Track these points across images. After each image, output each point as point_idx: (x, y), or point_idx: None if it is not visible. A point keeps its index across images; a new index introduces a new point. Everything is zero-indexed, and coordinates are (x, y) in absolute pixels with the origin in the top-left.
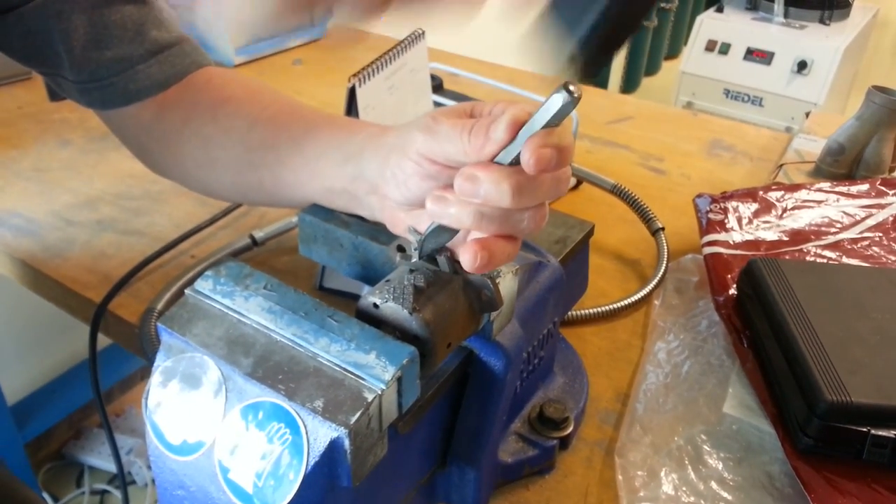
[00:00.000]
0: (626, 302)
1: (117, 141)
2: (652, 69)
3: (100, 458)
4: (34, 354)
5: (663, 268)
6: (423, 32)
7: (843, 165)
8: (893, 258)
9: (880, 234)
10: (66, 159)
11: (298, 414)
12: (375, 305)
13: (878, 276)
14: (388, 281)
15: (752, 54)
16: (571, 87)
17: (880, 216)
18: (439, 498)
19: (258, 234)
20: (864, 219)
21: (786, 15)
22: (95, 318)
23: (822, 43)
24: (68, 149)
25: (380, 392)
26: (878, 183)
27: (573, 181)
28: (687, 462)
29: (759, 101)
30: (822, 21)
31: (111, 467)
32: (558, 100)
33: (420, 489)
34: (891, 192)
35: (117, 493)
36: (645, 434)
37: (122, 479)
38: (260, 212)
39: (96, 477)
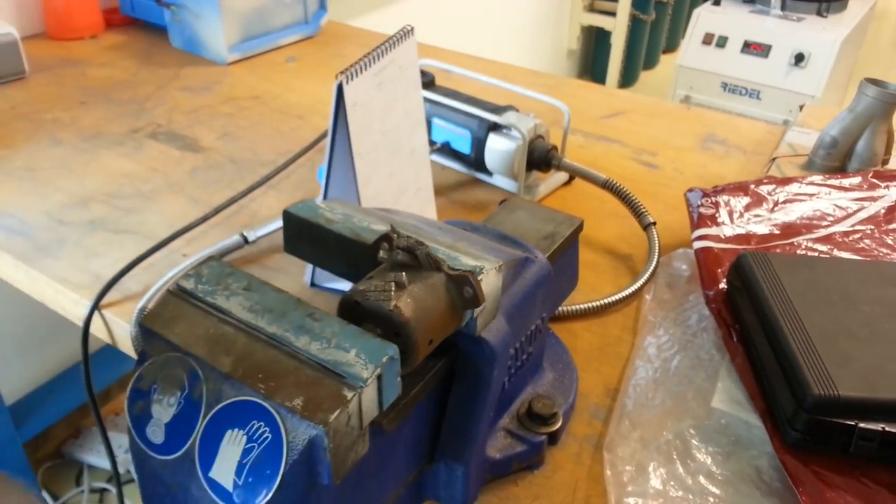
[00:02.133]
0: (616, 297)
1: (109, 140)
2: (650, 63)
3: (99, 457)
4: (32, 354)
5: (654, 262)
6: (412, 29)
7: (835, 158)
8: (885, 251)
9: (872, 227)
10: (57, 159)
11: (278, 412)
12: (357, 303)
13: (869, 268)
14: (369, 278)
15: (749, 47)
16: None
17: (872, 209)
18: (428, 495)
19: (249, 233)
20: (855, 212)
21: (783, 7)
22: (87, 318)
23: (820, 35)
24: (60, 148)
25: (359, 390)
26: (871, 175)
27: (565, 176)
28: (675, 456)
29: (757, 94)
30: (819, 13)
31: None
32: None
33: (408, 486)
34: (883, 185)
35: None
36: (634, 429)
37: (117, 477)
38: (251, 210)
39: (95, 475)
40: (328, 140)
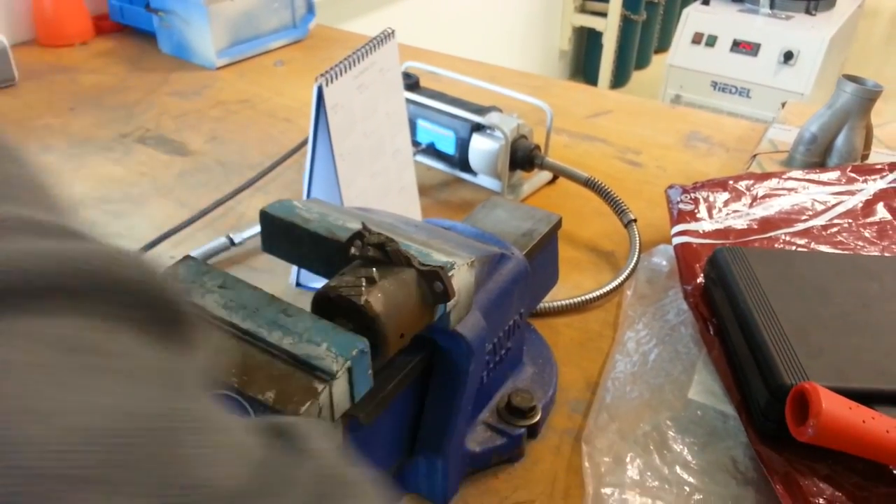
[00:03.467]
0: (597, 293)
1: (98, 146)
2: (642, 63)
3: None
4: None
5: (635, 259)
6: (393, 32)
7: (815, 154)
8: (862, 244)
9: (850, 221)
10: (47, 164)
11: (250, 406)
12: (329, 298)
13: (844, 261)
14: (342, 274)
15: (738, 46)
16: None
17: (850, 203)
18: (408, 489)
19: (235, 235)
20: (834, 206)
21: (772, 6)
22: None
23: (808, 33)
24: (50, 154)
25: (329, 382)
26: (849, 170)
27: (549, 175)
28: (652, 448)
29: (747, 93)
30: (807, 11)
31: None
32: None
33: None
34: (861, 179)
35: None
36: (612, 421)
37: None
38: (238, 213)
39: None
40: (309, 142)
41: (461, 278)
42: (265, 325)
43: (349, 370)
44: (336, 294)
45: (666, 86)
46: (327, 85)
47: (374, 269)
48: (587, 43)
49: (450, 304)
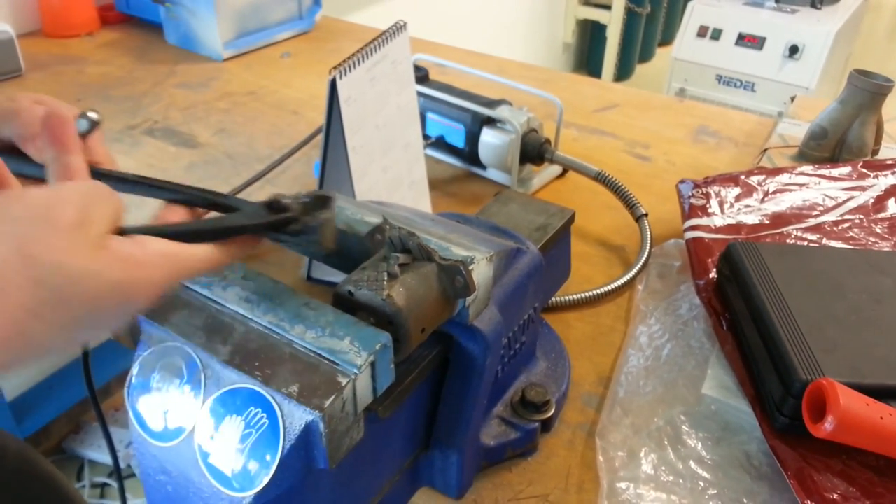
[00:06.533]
0: (609, 287)
1: (107, 137)
2: (646, 56)
3: (100, 452)
4: None
5: (646, 253)
6: (405, 24)
7: (826, 149)
8: (874, 240)
9: (861, 216)
10: None
11: (274, 399)
12: (350, 293)
13: (857, 257)
14: (363, 269)
15: (743, 40)
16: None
17: (861, 198)
18: (423, 481)
19: None
20: (845, 201)
21: None
22: None
23: (814, 27)
24: None
25: (353, 377)
26: (860, 165)
27: (559, 169)
28: (666, 442)
29: (752, 87)
30: (813, 5)
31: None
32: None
33: (404, 473)
34: (872, 175)
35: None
36: (625, 416)
37: (118, 472)
38: None
39: (97, 470)
40: (323, 135)
41: (481, 273)
42: (287, 319)
43: (372, 364)
44: (357, 289)
45: (670, 79)
46: (341, 78)
47: (395, 263)
48: (591, 36)
49: (469, 298)
